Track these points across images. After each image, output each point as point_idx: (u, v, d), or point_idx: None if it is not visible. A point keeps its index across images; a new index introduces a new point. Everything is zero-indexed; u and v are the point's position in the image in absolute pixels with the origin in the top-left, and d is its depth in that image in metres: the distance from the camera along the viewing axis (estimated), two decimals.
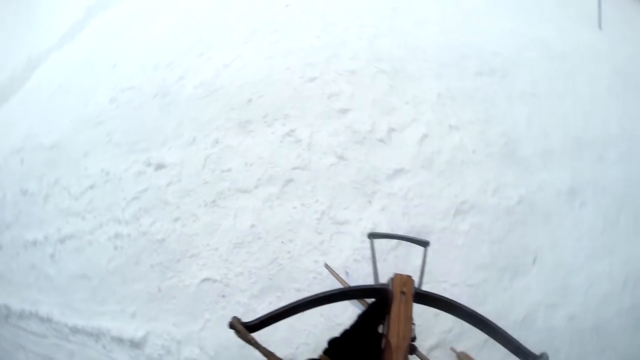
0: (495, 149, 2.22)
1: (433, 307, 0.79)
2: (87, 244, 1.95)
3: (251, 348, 0.70)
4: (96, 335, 1.76)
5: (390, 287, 0.75)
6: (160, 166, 2.11)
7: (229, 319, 0.66)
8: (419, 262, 1.86)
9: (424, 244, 1.08)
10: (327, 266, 1.03)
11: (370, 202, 1.95)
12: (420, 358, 0.80)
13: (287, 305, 0.74)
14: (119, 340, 1.70)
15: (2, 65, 3.02)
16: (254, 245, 1.81)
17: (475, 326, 0.75)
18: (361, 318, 0.73)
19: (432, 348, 1.67)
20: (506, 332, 0.72)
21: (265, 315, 0.71)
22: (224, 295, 1.69)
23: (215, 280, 1.73)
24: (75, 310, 1.86)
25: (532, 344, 1.68)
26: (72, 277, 1.92)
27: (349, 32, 2.72)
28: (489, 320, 0.72)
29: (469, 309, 0.74)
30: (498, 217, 2.03)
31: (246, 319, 1.67)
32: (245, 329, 0.67)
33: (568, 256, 2.03)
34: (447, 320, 1.76)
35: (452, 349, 1.65)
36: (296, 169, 2.04)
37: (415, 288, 0.77)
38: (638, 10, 4.62)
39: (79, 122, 2.45)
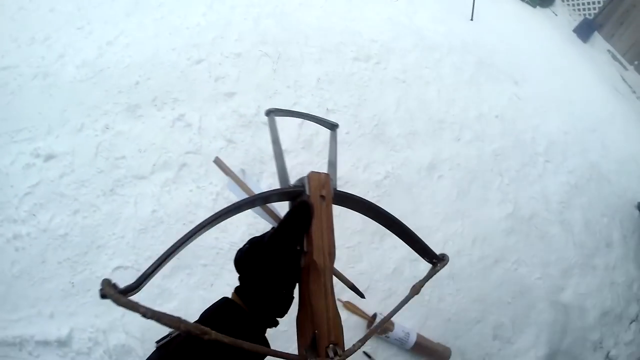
0: (366, 131, 2.68)
1: (351, 208, 0.74)
2: None
3: None
4: (19, 343, 1.78)
5: (307, 191, 0.63)
6: (49, 157, 2.15)
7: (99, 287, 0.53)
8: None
9: (332, 126, 0.94)
10: (217, 160, 0.82)
11: (258, 180, 2.30)
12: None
13: (173, 246, 0.58)
14: (45, 343, 1.78)
15: None
16: (158, 230, 2.05)
17: (387, 228, 0.74)
18: (277, 235, 0.61)
19: None
20: (415, 234, 0.73)
21: (149, 269, 0.57)
22: None
23: (126, 267, 1.95)
24: None
25: (402, 290, 2.26)
26: None
27: (234, 11, 2.92)
28: (401, 222, 0.72)
29: (386, 211, 0.72)
30: (368, 190, 2.52)
31: (162, 299, 1.92)
32: (120, 294, 0.50)
33: (427, 220, 2.63)
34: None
35: (339, 300, 2.14)
36: (189, 153, 2.28)
37: (333, 189, 0.68)
38: (513, 3, 5.36)
39: None
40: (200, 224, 0.57)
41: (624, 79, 6.17)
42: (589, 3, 6.84)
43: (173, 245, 0.56)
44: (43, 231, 1.99)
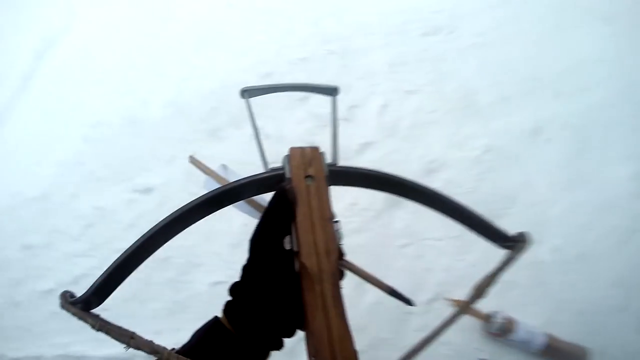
0: (453, 105, 2.47)
1: (360, 186, 0.60)
2: None
3: None
4: (131, 358, 1.88)
5: (287, 172, 0.53)
6: (147, 190, 2.34)
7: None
8: None
9: (331, 91, 0.80)
10: (192, 159, 0.74)
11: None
12: (351, 269, 0.54)
13: (129, 250, 0.52)
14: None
15: None
16: None
17: (427, 205, 0.56)
18: (255, 237, 0.52)
19: (430, 301, 1.93)
20: (468, 208, 0.54)
21: (101, 276, 0.49)
22: None
23: (223, 282, 1.95)
24: (105, 342, 2.04)
25: (524, 280, 1.95)
26: None
27: (294, 20, 2.93)
28: (443, 195, 0.53)
29: (414, 182, 0.54)
30: (467, 169, 2.28)
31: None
32: (74, 306, 0.49)
33: (543, 192, 2.27)
34: (438, 273, 2.04)
35: (447, 299, 1.90)
36: (271, 163, 2.27)
37: (328, 165, 0.56)
38: None
39: (58, 167, 2.61)
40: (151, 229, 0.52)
41: None
42: None
43: (126, 251, 0.52)
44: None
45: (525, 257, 1.99)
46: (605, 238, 2.17)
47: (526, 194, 2.25)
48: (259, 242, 0.51)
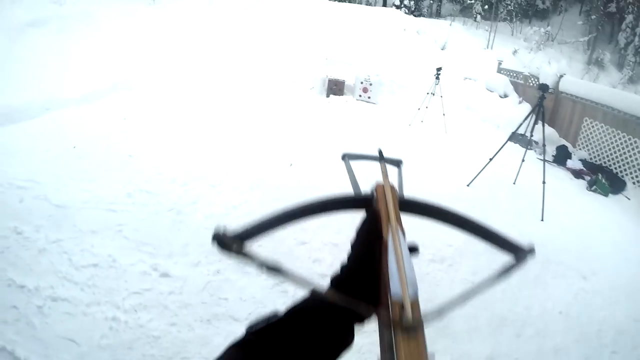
0: (429, 324, 2.96)
1: (419, 214, 0.75)
2: (81, 313, 2.32)
3: None
4: None
5: (375, 198, 0.71)
6: (165, 275, 2.65)
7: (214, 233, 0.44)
8: None
9: (398, 163, 1.03)
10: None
11: None
12: None
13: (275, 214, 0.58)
14: None
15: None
16: None
17: (459, 228, 0.74)
18: (360, 233, 0.70)
19: None
20: (493, 229, 0.71)
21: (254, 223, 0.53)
22: None
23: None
24: None
25: None
26: (58, 336, 2.22)
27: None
28: (472, 219, 0.72)
29: (456, 211, 0.72)
30: None
31: None
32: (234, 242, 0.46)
33: None
34: None
35: None
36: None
37: (399, 196, 0.73)
38: (585, 197, 5.76)
39: (89, 196, 2.96)
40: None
41: None
42: None
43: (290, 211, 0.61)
44: (139, 326, 2.37)
45: None
46: None
47: None
48: (363, 234, 0.68)
